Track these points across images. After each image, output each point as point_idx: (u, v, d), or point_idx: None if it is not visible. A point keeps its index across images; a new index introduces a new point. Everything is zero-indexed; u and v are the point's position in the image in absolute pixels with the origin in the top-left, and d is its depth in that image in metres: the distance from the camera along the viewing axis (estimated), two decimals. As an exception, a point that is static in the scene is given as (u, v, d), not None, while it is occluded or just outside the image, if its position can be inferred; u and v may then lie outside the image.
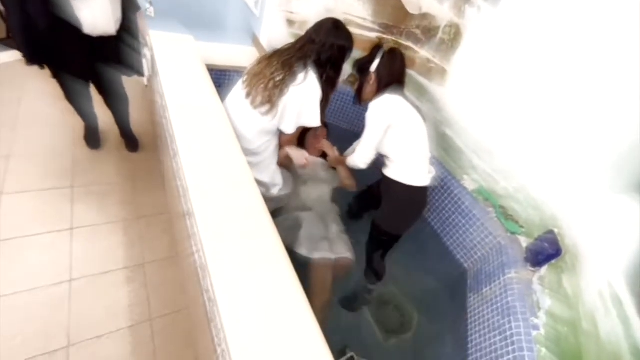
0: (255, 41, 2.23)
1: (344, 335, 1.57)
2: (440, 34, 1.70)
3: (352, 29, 1.89)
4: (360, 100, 1.54)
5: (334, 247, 1.52)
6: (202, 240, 0.88)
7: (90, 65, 1.69)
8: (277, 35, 2.01)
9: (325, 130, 1.87)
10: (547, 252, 1.22)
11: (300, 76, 1.32)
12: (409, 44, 1.84)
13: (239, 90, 1.49)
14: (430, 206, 1.82)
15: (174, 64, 1.58)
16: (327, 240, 1.55)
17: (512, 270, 1.34)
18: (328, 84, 1.41)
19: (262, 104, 1.36)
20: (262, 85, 1.36)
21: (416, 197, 1.44)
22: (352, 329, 1.63)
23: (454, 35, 1.64)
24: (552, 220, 1.33)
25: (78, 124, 2.09)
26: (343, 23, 1.42)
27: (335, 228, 1.62)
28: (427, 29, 1.74)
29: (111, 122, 2.06)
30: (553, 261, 1.22)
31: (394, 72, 1.44)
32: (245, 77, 1.47)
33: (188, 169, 1.07)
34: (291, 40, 2.00)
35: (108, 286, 1.50)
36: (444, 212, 1.75)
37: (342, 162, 1.61)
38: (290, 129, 1.42)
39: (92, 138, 2.08)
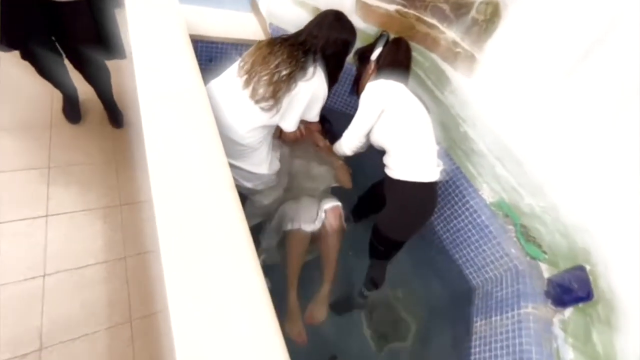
0: (254, 7, 1.93)
1: (333, 343, 1.47)
2: (473, 13, 1.40)
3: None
4: (358, 90, 1.43)
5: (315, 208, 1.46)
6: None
7: (59, 33, 1.48)
8: (279, 3, 1.72)
9: (318, 126, 1.69)
10: (575, 293, 1.05)
11: (310, 71, 1.21)
12: (434, 21, 1.54)
13: (233, 77, 1.27)
14: (439, 213, 1.63)
15: (149, 34, 1.32)
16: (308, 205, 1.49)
17: (529, 303, 1.18)
18: (330, 78, 1.30)
19: (266, 98, 1.20)
20: (267, 77, 1.19)
21: (422, 195, 1.28)
22: (343, 336, 1.53)
23: (491, 15, 1.34)
24: (583, 254, 1.14)
25: (57, 96, 1.89)
26: (345, 15, 1.29)
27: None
28: (457, 5, 1.44)
29: (93, 92, 1.85)
30: (580, 304, 1.05)
31: (395, 63, 1.32)
32: (242, 63, 1.27)
33: (155, 183, 0.89)
34: (295, 9, 1.73)
35: (85, 282, 1.38)
36: (455, 222, 1.57)
37: (332, 150, 1.50)
38: (291, 126, 1.30)
39: (72, 111, 1.89)
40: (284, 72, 1.18)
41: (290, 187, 1.64)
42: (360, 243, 1.51)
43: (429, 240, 1.68)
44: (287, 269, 1.40)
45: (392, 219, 1.35)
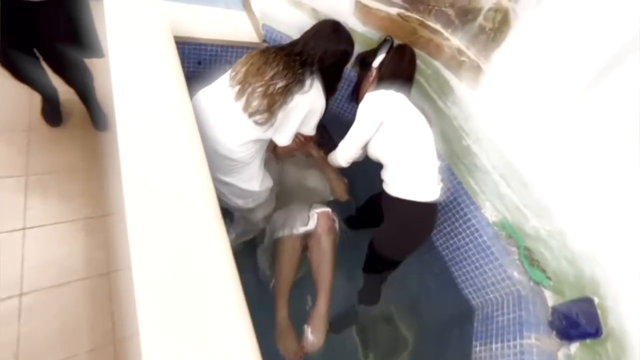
0: (246, 5, 1.81)
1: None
2: (480, 19, 1.31)
3: (368, 1, 1.51)
4: (357, 97, 1.37)
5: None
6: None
7: (34, 33, 1.37)
8: (273, 3, 1.60)
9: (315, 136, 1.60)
10: (582, 327, 0.99)
11: (307, 83, 1.15)
12: (438, 27, 1.44)
13: (224, 86, 1.19)
14: (439, 228, 1.57)
15: (129, 37, 1.22)
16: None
17: (532, 333, 1.12)
18: (328, 88, 1.25)
19: (260, 111, 1.12)
20: (261, 89, 1.12)
21: (421, 215, 1.22)
22: (332, 351, 1.47)
23: (499, 23, 1.25)
24: (591, 285, 1.08)
25: (36, 97, 1.77)
26: (342, 25, 1.26)
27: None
28: (463, 10, 1.35)
29: (75, 93, 1.74)
30: (588, 340, 0.99)
31: (398, 72, 1.25)
32: (234, 73, 1.18)
33: (130, 201, 0.81)
34: (290, 10, 1.62)
35: (66, 301, 1.30)
36: (455, 239, 1.50)
37: (326, 162, 1.44)
38: (286, 140, 1.23)
39: (52, 113, 1.78)
40: (280, 84, 1.11)
41: (282, 199, 1.56)
42: (356, 254, 1.44)
43: (427, 256, 1.62)
44: (276, 280, 1.32)
45: (388, 237, 1.29)
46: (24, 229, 1.42)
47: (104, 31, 1.28)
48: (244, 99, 1.13)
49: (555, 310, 1.14)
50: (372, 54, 1.32)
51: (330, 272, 1.31)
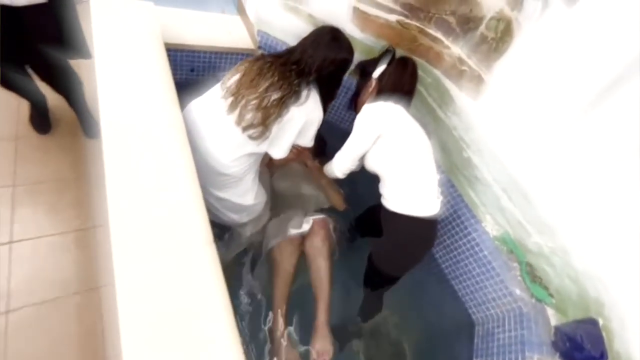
0: (241, 10, 1.76)
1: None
2: (482, 28, 1.27)
3: (367, 7, 1.46)
4: (356, 107, 1.34)
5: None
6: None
7: (23, 46, 1.32)
8: (269, 8, 1.56)
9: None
10: (587, 351, 0.96)
11: (303, 94, 1.11)
12: (438, 34, 1.40)
13: (215, 99, 1.14)
14: (439, 240, 1.53)
15: (117, 45, 1.17)
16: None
17: (535, 354, 1.09)
18: (326, 96, 1.22)
19: (254, 125, 1.08)
20: (255, 102, 1.07)
21: (420, 232, 1.19)
22: None
23: (502, 33, 1.21)
24: (596, 305, 1.05)
25: (23, 104, 1.72)
26: (341, 32, 1.18)
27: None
28: (465, 19, 1.30)
29: (62, 98, 1.69)
30: (592, 365, 0.96)
31: (398, 85, 1.21)
32: (227, 85, 1.13)
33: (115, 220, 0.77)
34: (286, 15, 1.57)
35: (54, 318, 1.26)
36: (455, 252, 1.47)
37: (321, 172, 1.40)
38: (281, 154, 1.18)
39: (40, 120, 1.73)
40: (275, 97, 1.06)
41: (276, 208, 1.52)
42: (355, 264, 1.40)
43: (427, 267, 1.59)
44: (272, 291, 1.28)
45: (386, 253, 1.26)
46: (10, 242, 1.38)
47: (90, 34, 1.23)
48: (236, 112, 1.08)
49: (558, 330, 1.11)
50: (373, 63, 1.28)
51: (327, 279, 1.28)
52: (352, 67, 1.28)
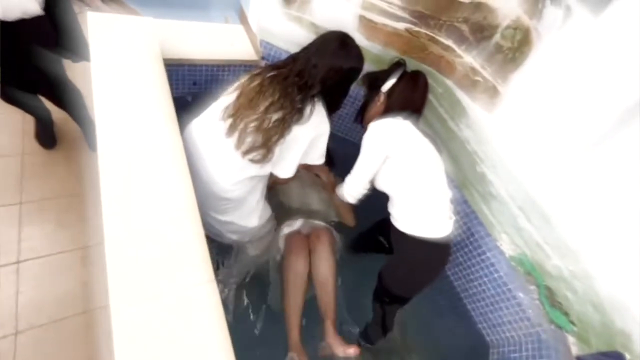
0: (243, 19, 1.71)
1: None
2: (497, 37, 1.19)
3: (373, 15, 1.39)
4: (362, 120, 1.29)
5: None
6: None
7: (20, 64, 1.31)
8: (271, 18, 1.50)
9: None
10: (612, 389, 0.90)
11: (307, 112, 1.03)
12: (449, 43, 1.32)
13: (214, 119, 1.09)
14: (452, 258, 1.47)
15: (115, 66, 1.14)
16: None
17: (555, 386, 1.03)
18: (331, 105, 1.14)
19: (255, 148, 1.02)
20: (254, 124, 1.01)
21: (433, 254, 1.15)
22: None
23: (519, 43, 1.13)
24: (622, 337, 0.98)
25: (28, 120, 1.72)
26: (351, 38, 1.09)
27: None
28: (478, 26, 1.23)
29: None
30: (619, 404, 0.90)
31: (409, 102, 1.15)
32: (225, 105, 1.07)
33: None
34: (289, 25, 1.52)
35: (63, 338, 1.26)
36: (469, 271, 1.41)
37: (334, 190, 1.33)
38: (288, 173, 1.13)
39: (45, 135, 1.73)
40: (276, 117, 1.00)
41: (282, 220, 1.49)
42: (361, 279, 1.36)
43: (440, 285, 1.53)
44: (285, 303, 1.26)
45: (397, 274, 1.21)
46: (17, 262, 1.38)
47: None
48: (236, 136, 1.03)
49: (580, 361, 1.05)
50: (383, 76, 1.21)
51: (332, 287, 1.27)
52: (363, 76, 1.21)
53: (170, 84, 1.23)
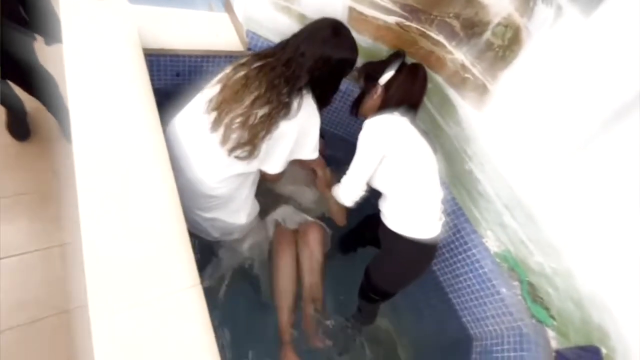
0: (228, 7, 1.64)
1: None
2: (488, 34, 1.17)
3: (364, 8, 1.35)
4: (357, 112, 1.25)
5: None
6: None
7: None
8: (258, 7, 1.44)
9: (323, 142, 1.48)
10: (588, 383, 0.93)
11: (294, 106, 0.99)
12: (440, 38, 1.30)
13: (197, 113, 1.04)
14: (438, 254, 1.49)
15: (89, 53, 1.08)
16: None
17: (534, 379, 1.07)
18: (321, 100, 1.09)
19: (240, 145, 0.98)
20: (240, 120, 0.96)
21: (420, 255, 1.18)
22: None
23: (510, 41, 1.12)
24: (599, 333, 1.01)
25: (-1, 110, 1.62)
26: (345, 27, 1.03)
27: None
28: (469, 23, 1.21)
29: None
30: (594, 396, 0.94)
31: (407, 97, 1.12)
32: (210, 98, 1.02)
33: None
34: (277, 15, 1.46)
35: (43, 338, 1.22)
36: (454, 267, 1.43)
37: (329, 188, 1.29)
38: (277, 168, 1.09)
39: (18, 126, 1.64)
40: (262, 112, 0.96)
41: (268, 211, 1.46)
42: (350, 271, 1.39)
43: (425, 280, 1.55)
44: (275, 292, 1.30)
45: (384, 269, 1.23)
46: (-7, 261, 1.32)
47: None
48: (221, 131, 0.98)
49: (559, 355, 1.09)
50: (381, 68, 1.16)
51: (316, 284, 1.31)
52: (360, 67, 1.17)
53: (151, 75, 1.18)
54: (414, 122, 1.12)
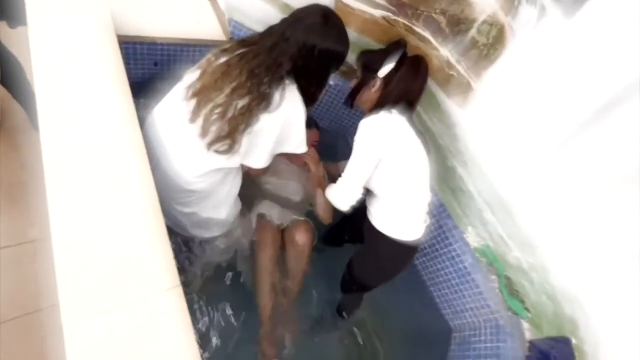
0: (210, -8, 1.57)
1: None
2: (473, 32, 1.17)
3: (351, 1, 1.33)
4: (352, 103, 1.19)
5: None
6: None
7: None
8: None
9: (317, 133, 1.44)
10: (559, 371, 0.98)
11: (275, 98, 0.91)
12: (426, 34, 1.29)
13: (176, 100, 0.99)
14: (420, 248, 1.51)
15: (58, 38, 1.01)
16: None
17: (509, 368, 1.12)
18: (307, 97, 1.02)
19: (220, 138, 0.93)
20: (219, 111, 0.91)
21: (404, 254, 1.19)
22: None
23: (494, 39, 1.13)
24: (570, 325, 1.06)
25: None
26: (337, 17, 0.97)
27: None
28: (455, 19, 1.20)
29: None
30: (564, 385, 0.99)
31: (407, 91, 1.08)
32: (189, 84, 0.97)
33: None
34: (260, 4, 1.41)
35: (14, 340, 1.18)
36: (435, 261, 1.46)
37: (323, 186, 1.23)
38: (260, 163, 1.04)
39: None
40: (242, 103, 0.90)
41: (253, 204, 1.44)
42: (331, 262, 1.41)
43: (407, 273, 1.57)
44: (257, 293, 1.29)
45: (365, 264, 1.25)
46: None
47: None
48: (199, 122, 0.93)
49: (533, 345, 1.13)
50: (380, 58, 1.09)
51: (301, 279, 1.33)
52: (357, 55, 1.12)
53: (127, 63, 1.12)
54: (411, 120, 1.09)
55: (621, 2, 0.85)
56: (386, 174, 1.08)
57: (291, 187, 1.48)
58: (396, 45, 1.10)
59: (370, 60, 1.12)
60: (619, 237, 0.96)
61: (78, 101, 0.93)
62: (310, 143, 1.22)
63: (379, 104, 1.09)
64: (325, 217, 1.38)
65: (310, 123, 1.30)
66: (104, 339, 0.63)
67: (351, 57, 1.12)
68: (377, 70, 1.09)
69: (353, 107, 1.22)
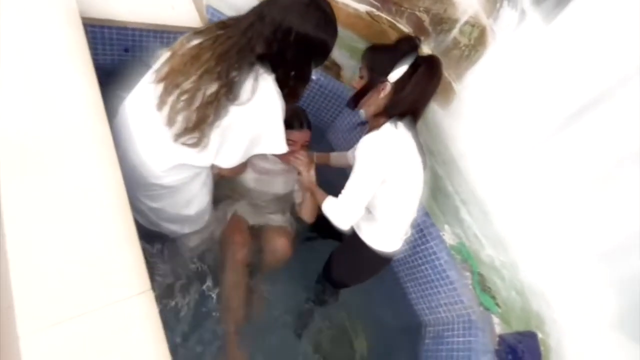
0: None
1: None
2: (455, 32, 1.18)
3: (333, -6, 1.29)
4: (356, 104, 1.06)
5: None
6: None
7: None
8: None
9: (308, 134, 1.28)
10: (525, 364, 1.03)
11: (246, 87, 0.82)
12: (409, 31, 1.29)
13: (144, 86, 0.92)
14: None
15: (8, 16, 0.92)
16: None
17: (479, 362, 1.16)
18: (287, 91, 0.92)
19: (187, 131, 0.84)
20: (185, 98, 0.83)
21: (381, 262, 1.21)
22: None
23: (475, 40, 1.14)
24: (536, 319, 1.12)
25: None
26: (326, 2, 0.88)
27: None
28: (438, 18, 1.20)
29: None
30: (530, 377, 1.04)
31: (419, 101, 1.01)
32: (158, 66, 0.89)
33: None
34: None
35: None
36: (413, 258, 1.48)
37: (314, 192, 1.15)
38: (231, 162, 0.95)
39: None
40: (210, 91, 0.81)
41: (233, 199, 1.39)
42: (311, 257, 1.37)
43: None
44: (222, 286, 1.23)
45: (342, 265, 1.27)
46: None
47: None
48: (166, 110, 0.85)
49: (502, 339, 1.18)
50: (390, 61, 0.97)
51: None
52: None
53: (94, 49, 1.04)
54: (415, 136, 1.03)
55: (597, 11, 0.88)
56: (382, 193, 1.03)
57: (272, 184, 1.42)
58: (408, 43, 0.98)
59: (379, 63, 1.00)
60: (583, 236, 1.01)
61: (35, 88, 0.85)
62: (300, 144, 1.17)
63: (387, 111, 1.01)
64: (308, 217, 1.34)
65: (302, 122, 1.20)
66: (66, 351, 0.59)
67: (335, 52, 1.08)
68: (387, 74, 0.97)
69: (355, 108, 1.10)
